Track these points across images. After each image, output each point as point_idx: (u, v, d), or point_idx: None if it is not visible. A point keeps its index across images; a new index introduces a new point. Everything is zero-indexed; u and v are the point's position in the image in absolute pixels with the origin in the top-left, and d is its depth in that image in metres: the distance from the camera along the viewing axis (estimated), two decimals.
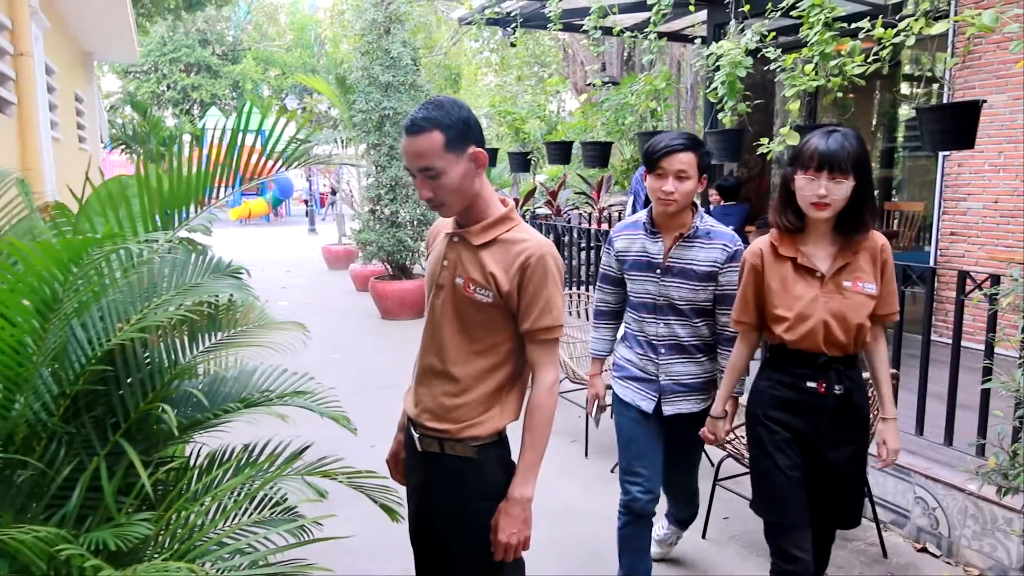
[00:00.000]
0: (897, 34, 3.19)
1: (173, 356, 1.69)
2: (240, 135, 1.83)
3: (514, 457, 1.74)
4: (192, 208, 1.88)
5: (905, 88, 7.75)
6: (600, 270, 2.57)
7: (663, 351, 2.43)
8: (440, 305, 1.71)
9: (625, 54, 13.93)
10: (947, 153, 5.08)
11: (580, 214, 9.13)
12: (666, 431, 2.50)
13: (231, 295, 1.84)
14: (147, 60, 25.49)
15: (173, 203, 1.83)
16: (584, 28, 5.99)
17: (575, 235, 6.34)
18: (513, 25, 7.19)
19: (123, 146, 13.12)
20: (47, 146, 5.66)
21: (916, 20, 3.08)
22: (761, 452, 2.16)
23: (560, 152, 6.91)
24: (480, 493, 1.69)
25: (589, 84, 8.49)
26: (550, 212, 8.85)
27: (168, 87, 26.61)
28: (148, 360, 1.62)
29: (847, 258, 2.05)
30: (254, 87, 27.96)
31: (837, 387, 2.07)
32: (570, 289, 6.17)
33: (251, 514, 1.61)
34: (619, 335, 2.65)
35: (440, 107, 1.59)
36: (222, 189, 1.90)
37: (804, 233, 2.09)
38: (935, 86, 6.09)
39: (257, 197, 21.95)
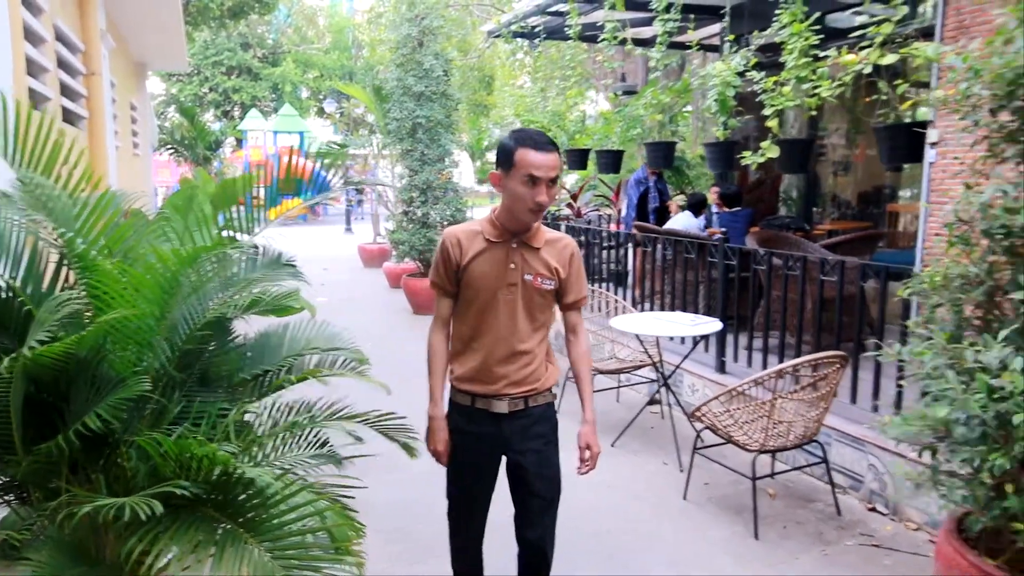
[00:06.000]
0: (883, 60, 3.60)
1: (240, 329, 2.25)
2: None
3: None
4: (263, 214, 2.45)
5: (911, 94, 8.05)
6: None
7: None
8: (511, 300, 2.22)
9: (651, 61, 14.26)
10: (932, 159, 5.46)
11: (600, 216, 9.60)
12: None
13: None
14: (190, 64, 26.47)
15: (227, 204, 2.40)
16: (600, 41, 6.49)
17: (590, 236, 6.83)
18: (537, 40, 7.69)
19: (172, 150, 13.98)
20: (112, 155, 6.33)
21: (873, 50, 3.51)
22: None
23: (578, 159, 7.42)
24: (553, 427, 2.35)
25: (614, 93, 8.94)
26: (571, 214, 9.34)
27: (210, 90, 27.54)
28: (234, 334, 2.19)
29: None
30: (293, 89, 28.82)
31: None
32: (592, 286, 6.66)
33: (304, 448, 2.16)
34: None
35: (549, 135, 2.20)
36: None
37: None
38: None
39: (295, 197, 22.77)
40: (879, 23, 3.53)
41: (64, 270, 1.96)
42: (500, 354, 2.23)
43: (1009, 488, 1.92)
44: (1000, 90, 2.11)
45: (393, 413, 2.32)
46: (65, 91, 4.58)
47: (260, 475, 1.53)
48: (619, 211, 9.52)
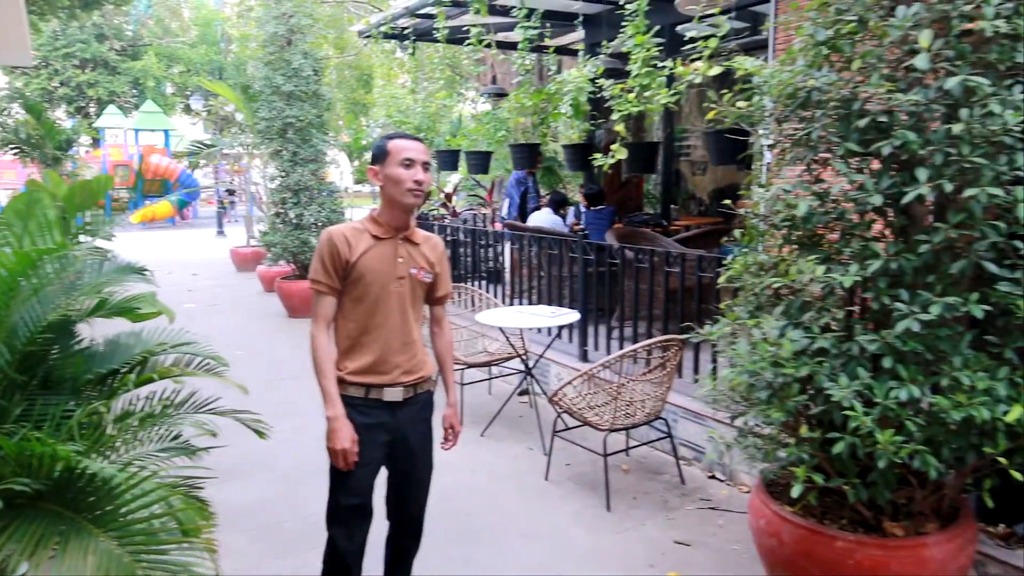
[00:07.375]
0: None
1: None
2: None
3: None
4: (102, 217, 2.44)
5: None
6: None
7: None
8: (401, 292, 2.36)
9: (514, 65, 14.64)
10: (768, 159, 6.04)
11: (476, 215, 9.83)
12: None
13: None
14: (37, 55, 24.39)
15: (81, 207, 2.39)
16: (466, 44, 6.69)
17: (461, 236, 7.00)
18: (407, 42, 7.78)
19: (16, 150, 12.89)
20: None
21: (703, 63, 3.90)
22: None
23: (450, 160, 7.59)
24: (432, 411, 2.52)
25: (483, 96, 9.19)
26: (446, 213, 9.51)
27: (61, 84, 25.52)
28: (79, 337, 2.18)
29: None
30: (156, 85, 27.20)
31: None
32: (464, 284, 6.83)
33: (156, 443, 2.19)
34: None
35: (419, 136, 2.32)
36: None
37: None
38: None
39: (161, 199, 21.51)
40: (707, 38, 3.92)
41: None
42: (394, 345, 2.35)
43: (791, 440, 2.25)
44: (782, 103, 2.46)
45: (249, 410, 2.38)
46: None
47: (102, 468, 1.58)
48: (494, 211, 9.79)
